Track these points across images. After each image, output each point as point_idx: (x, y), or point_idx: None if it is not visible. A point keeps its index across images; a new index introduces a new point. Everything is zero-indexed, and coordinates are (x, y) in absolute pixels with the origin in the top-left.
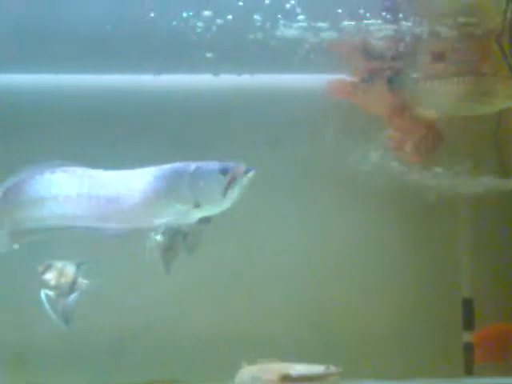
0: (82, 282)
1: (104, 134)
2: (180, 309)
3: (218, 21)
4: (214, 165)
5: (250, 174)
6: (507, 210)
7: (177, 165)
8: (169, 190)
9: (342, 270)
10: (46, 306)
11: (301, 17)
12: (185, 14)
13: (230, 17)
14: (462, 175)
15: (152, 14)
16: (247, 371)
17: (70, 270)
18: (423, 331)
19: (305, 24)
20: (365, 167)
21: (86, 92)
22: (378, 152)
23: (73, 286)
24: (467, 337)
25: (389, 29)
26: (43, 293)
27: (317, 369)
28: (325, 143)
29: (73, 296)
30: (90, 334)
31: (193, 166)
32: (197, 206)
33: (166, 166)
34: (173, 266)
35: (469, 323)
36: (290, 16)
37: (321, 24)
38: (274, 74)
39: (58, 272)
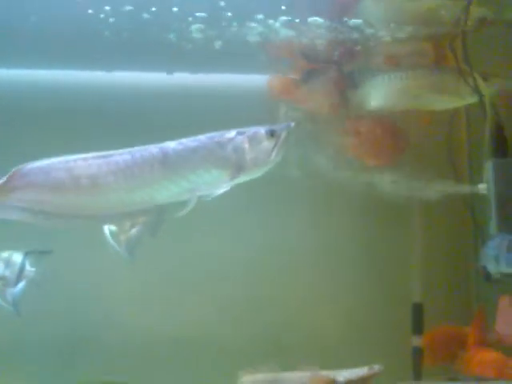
0: (30, 270)
1: (57, 129)
2: (134, 309)
3: (171, 19)
4: (259, 128)
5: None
6: (457, 215)
7: (212, 134)
8: (208, 157)
9: (293, 273)
10: None
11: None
12: (145, 15)
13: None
14: (413, 180)
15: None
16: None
17: (16, 259)
18: (372, 335)
19: (250, 23)
20: (318, 170)
21: (39, 88)
22: (330, 154)
23: (20, 274)
24: (416, 341)
25: (337, 31)
26: None
27: (361, 371)
28: None
29: (20, 285)
30: (41, 334)
31: (232, 132)
32: (240, 170)
33: (201, 136)
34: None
35: (418, 327)
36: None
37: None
38: (227, 74)
39: (4, 262)
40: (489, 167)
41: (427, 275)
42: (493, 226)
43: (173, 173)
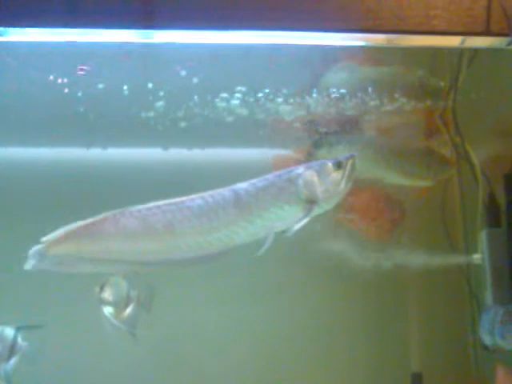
0: (22, 344)
1: (52, 208)
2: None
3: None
4: (325, 161)
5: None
6: (454, 285)
7: (280, 172)
8: (279, 194)
9: (288, 346)
10: None
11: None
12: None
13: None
14: (409, 251)
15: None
16: None
17: (8, 334)
18: None
19: (251, 100)
20: (316, 244)
21: (33, 166)
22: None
23: (12, 349)
24: None
25: (329, 104)
26: None
27: None
28: None
29: (13, 360)
30: None
31: (300, 168)
32: (312, 203)
33: (269, 175)
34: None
35: None
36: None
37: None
38: (224, 149)
39: None
40: (483, 237)
41: (426, 345)
42: (488, 295)
43: (247, 213)
